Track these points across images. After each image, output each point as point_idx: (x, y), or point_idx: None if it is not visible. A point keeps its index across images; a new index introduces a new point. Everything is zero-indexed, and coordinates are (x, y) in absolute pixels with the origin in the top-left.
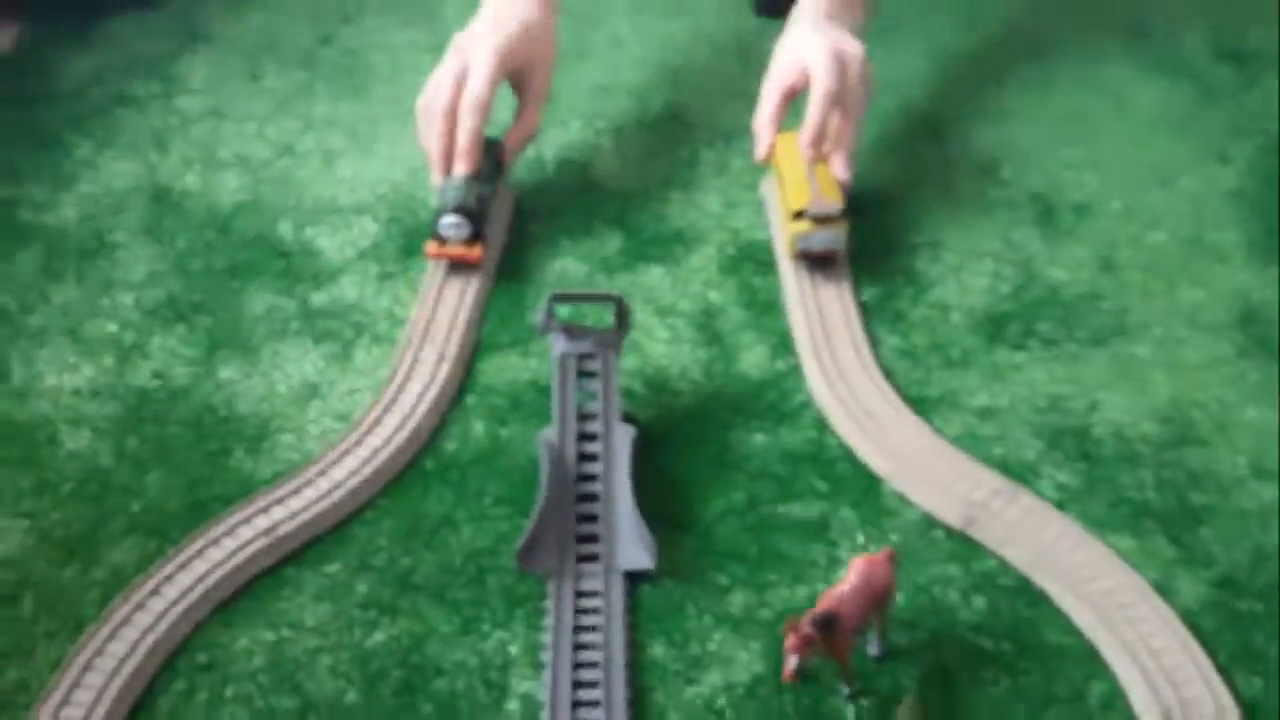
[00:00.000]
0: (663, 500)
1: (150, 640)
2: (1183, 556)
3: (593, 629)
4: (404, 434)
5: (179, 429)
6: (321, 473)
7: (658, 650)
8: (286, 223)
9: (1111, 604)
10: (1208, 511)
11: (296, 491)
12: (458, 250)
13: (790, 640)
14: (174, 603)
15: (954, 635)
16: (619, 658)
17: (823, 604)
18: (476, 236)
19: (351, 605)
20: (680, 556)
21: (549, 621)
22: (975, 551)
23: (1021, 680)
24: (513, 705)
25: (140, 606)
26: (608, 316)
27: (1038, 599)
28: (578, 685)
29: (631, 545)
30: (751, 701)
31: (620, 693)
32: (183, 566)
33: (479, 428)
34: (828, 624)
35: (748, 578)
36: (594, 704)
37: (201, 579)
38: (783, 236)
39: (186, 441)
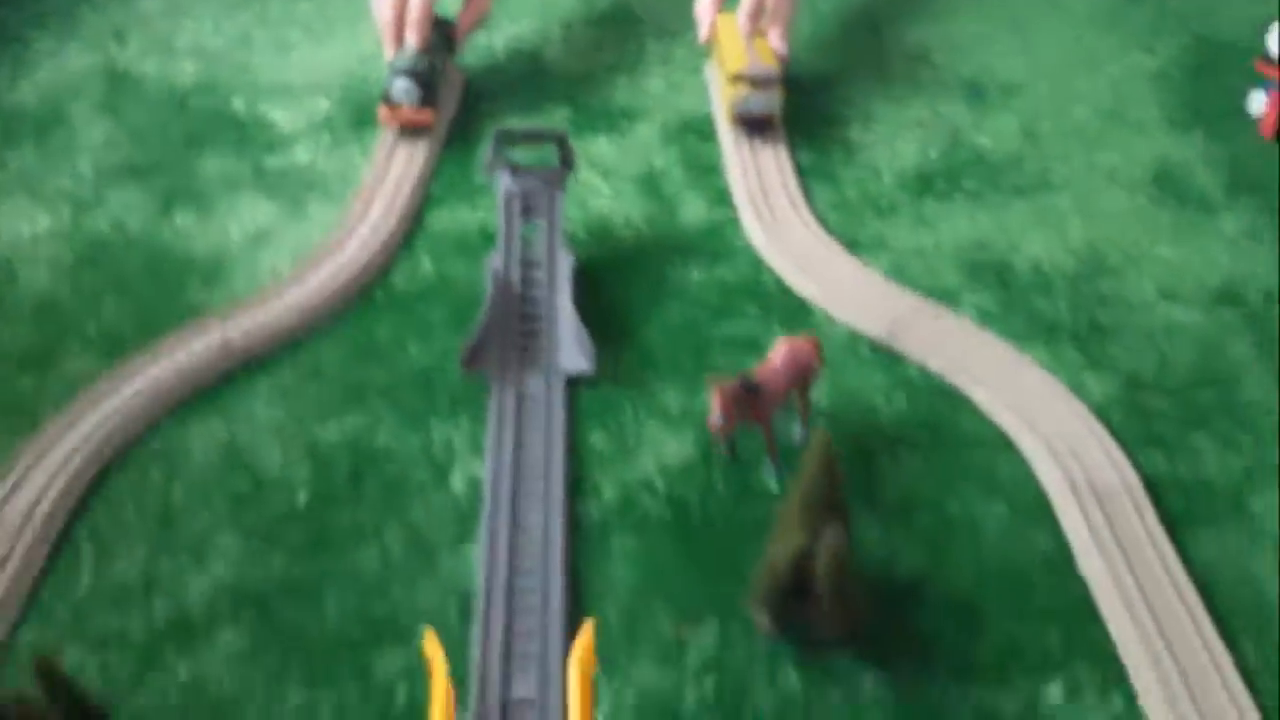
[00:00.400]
0: (604, 322)
1: (102, 433)
2: (1092, 363)
3: (533, 428)
4: (353, 269)
5: (134, 268)
6: (276, 296)
7: (596, 440)
8: (241, 100)
9: (1024, 399)
10: (1117, 327)
11: (249, 313)
12: (408, 114)
13: (716, 398)
14: (127, 400)
15: (875, 427)
16: (559, 444)
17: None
18: (426, 102)
19: (303, 406)
20: (619, 367)
21: (492, 413)
22: (897, 361)
23: (935, 461)
24: (457, 485)
25: (93, 405)
26: (552, 159)
27: (955, 398)
28: (518, 467)
29: (571, 350)
30: (683, 479)
31: (559, 471)
32: (137, 372)
33: (426, 265)
34: (751, 386)
35: (682, 384)
36: (535, 482)
37: (154, 382)
38: (723, 105)
39: (141, 278)
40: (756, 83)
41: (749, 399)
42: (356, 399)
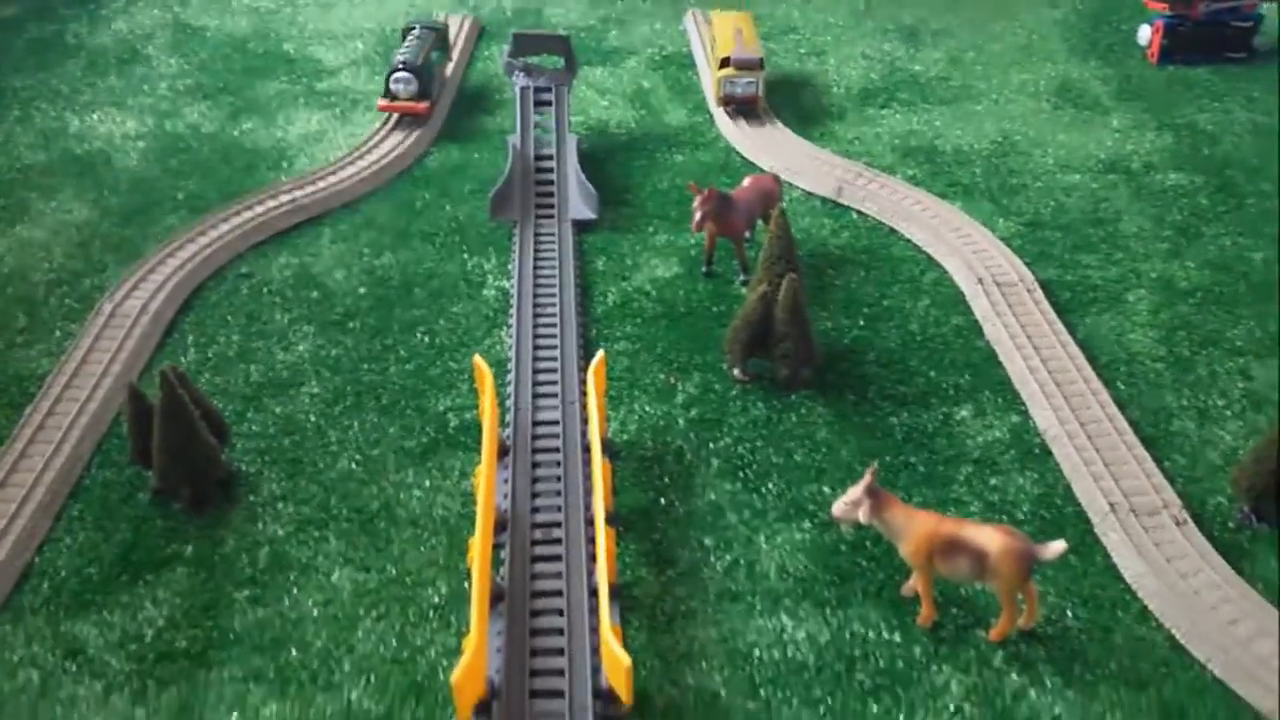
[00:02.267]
0: (604, 189)
1: (198, 259)
2: (1002, 211)
3: (549, 255)
4: (396, 153)
5: (211, 156)
6: (331, 173)
7: (600, 264)
8: (291, 44)
9: (944, 232)
10: (1022, 188)
11: (313, 182)
12: (405, 104)
13: (698, 199)
14: (216, 238)
15: (827, 253)
16: (570, 266)
17: None
18: (423, 96)
19: (360, 244)
20: (618, 218)
21: (515, 248)
22: (844, 210)
23: (874, 273)
24: (489, 293)
25: (190, 240)
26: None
27: (889, 233)
28: (539, 280)
29: (579, 202)
30: (670, 287)
31: (571, 281)
32: (224, 219)
33: (454, 152)
34: (725, 197)
35: (669, 228)
36: (551, 288)
37: (237, 226)
38: (712, 86)
39: (217, 162)
40: (742, 67)
41: (722, 205)
42: (404, 241)
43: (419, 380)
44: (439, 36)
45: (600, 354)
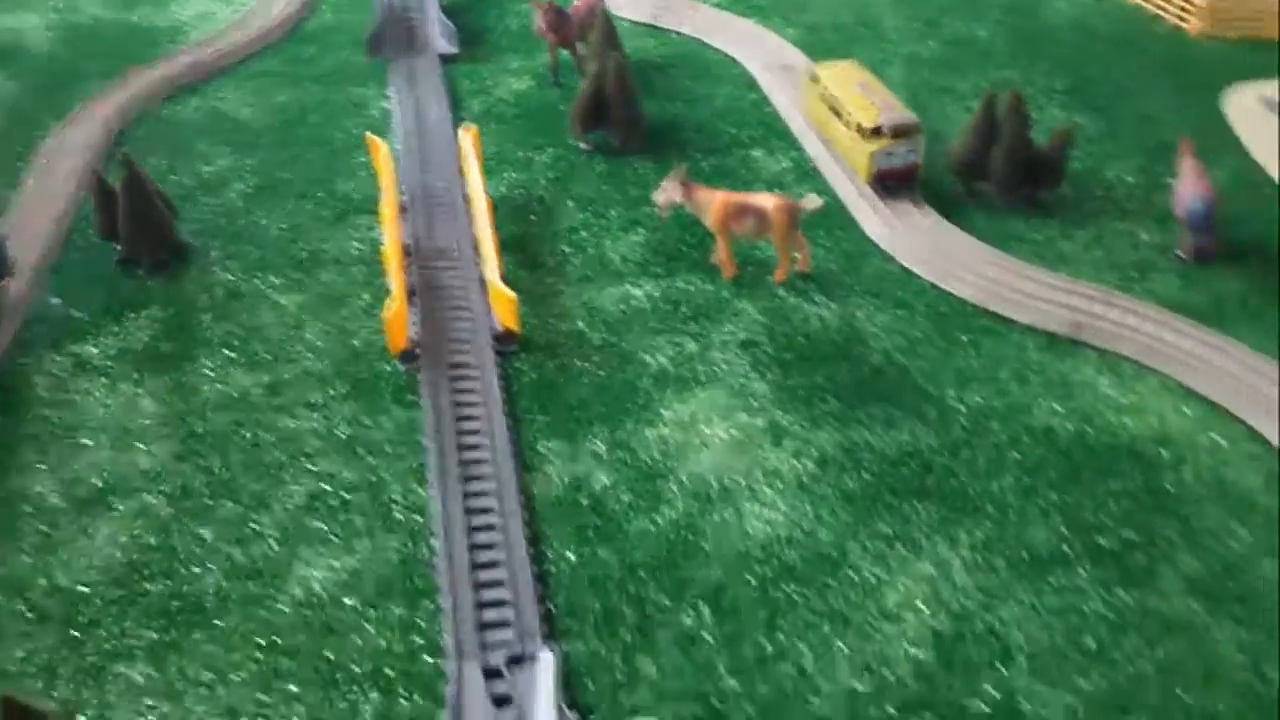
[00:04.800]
0: (465, 31)
1: (122, 108)
2: (791, 23)
3: (421, 80)
4: (279, 18)
5: (113, 37)
6: (226, 37)
7: (466, 84)
8: None
9: (742, 40)
10: (808, 6)
11: (210, 45)
12: None
13: (539, 12)
14: (136, 93)
15: (650, 61)
16: (441, 87)
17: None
18: None
19: (259, 88)
20: (478, 52)
21: (392, 79)
22: (662, 31)
23: (687, 72)
24: (373, 112)
25: (110, 96)
26: None
27: (700, 45)
28: (417, 101)
29: (442, 40)
30: (524, 96)
31: (443, 96)
32: (138, 77)
33: (328, 16)
34: (561, 11)
35: (521, 58)
36: (426, 104)
37: (151, 82)
38: (853, 161)
39: (120, 41)
40: (900, 134)
41: (559, 18)
42: (295, 83)
43: (324, 172)
44: None
45: (474, 127)
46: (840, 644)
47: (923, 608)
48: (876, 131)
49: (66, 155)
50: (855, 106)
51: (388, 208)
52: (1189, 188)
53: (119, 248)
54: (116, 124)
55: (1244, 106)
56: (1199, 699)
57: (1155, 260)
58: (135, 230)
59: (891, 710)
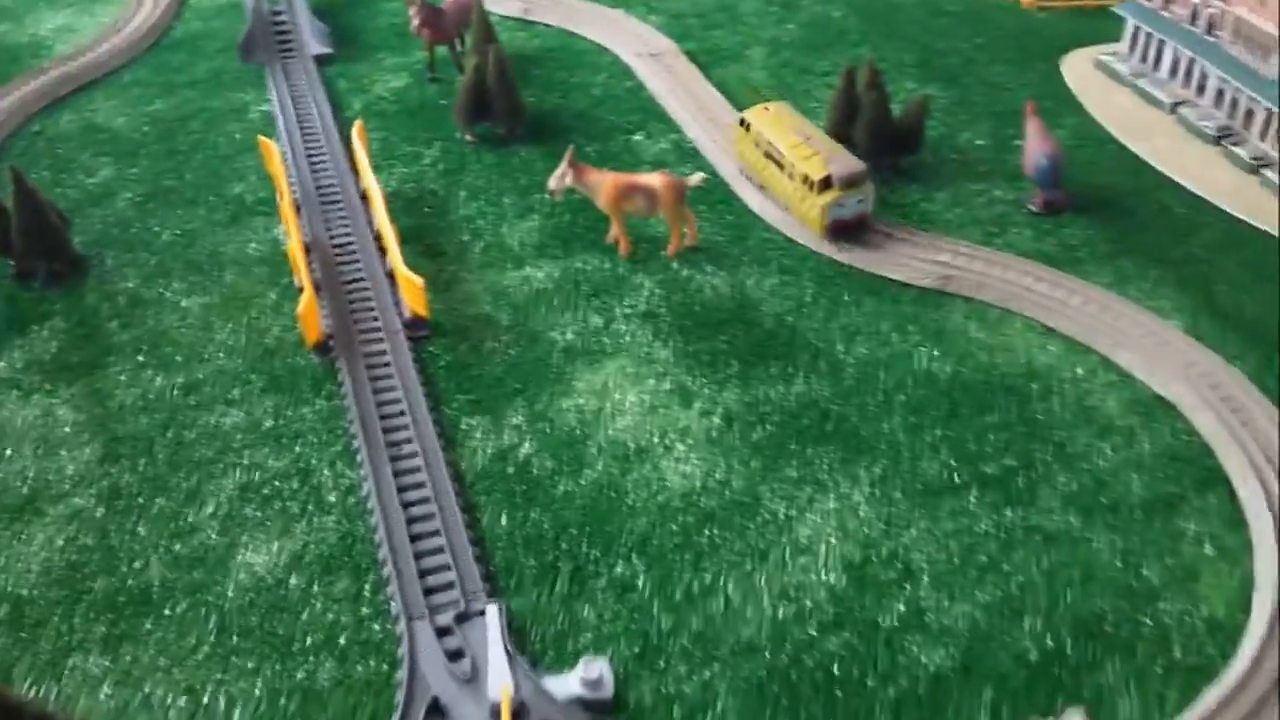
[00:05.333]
0: (335, 29)
1: None
2: (654, 11)
3: (298, 83)
4: (144, 28)
5: None
6: (91, 49)
7: (342, 84)
8: None
9: (610, 29)
10: None
11: (75, 59)
12: None
13: (413, 9)
14: (3, 112)
15: (524, 55)
16: (320, 88)
17: None
18: None
19: (132, 98)
20: (352, 51)
21: (269, 82)
22: (533, 24)
23: (562, 63)
24: (253, 116)
25: None
26: None
27: (571, 36)
28: (296, 101)
29: (315, 39)
30: (403, 92)
31: (323, 96)
32: (4, 95)
33: (197, 24)
34: (435, 9)
35: (396, 55)
36: (306, 104)
37: (20, 99)
38: (798, 213)
39: None
40: (850, 185)
41: (433, 15)
42: (170, 90)
43: (212, 178)
44: None
45: (358, 122)
46: (761, 577)
47: (832, 539)
48: (826, 183)
49: None
50: (799, 158)
51: (287, 207)
52: (1035, 147)
53: (13, 263)
54: None
55: (1079, 70)
56: (1081, 598)
57: (1010, 215)
58: (29, 243)
59: (812, 631)
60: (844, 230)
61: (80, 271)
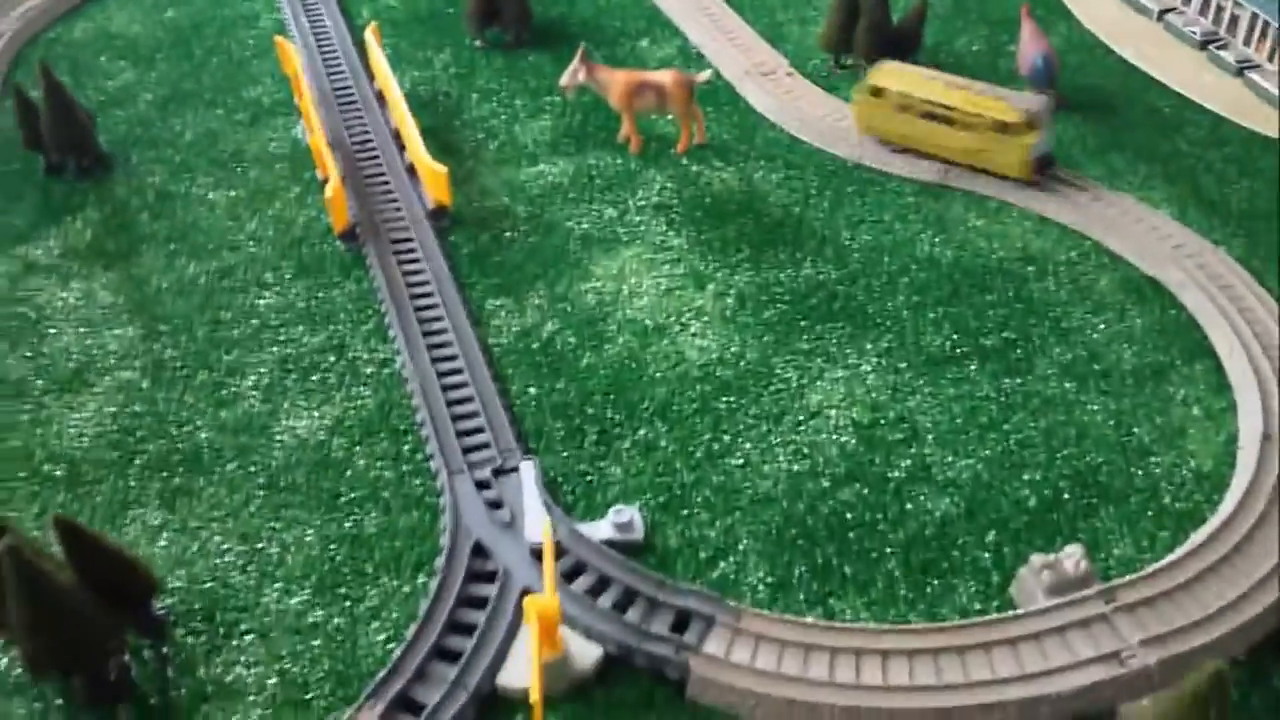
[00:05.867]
0: None
1: (13, 36)
2: None
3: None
4: None
5: None
6: None
7: None
8: None
9: None
10: None
11: None
12: None
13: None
14: (18, 22)
15: None
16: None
17: None
18: None
19: (144, 7)
20: None
21: None
22: None
23: None
24: (265, 23)
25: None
26: None
27: None
28: (306, 9)
29: None
30: (410, 2)
31: (334, 6)
32: (15, 6)
33: None
34: None
35: None
36: (318, 12)
37: (30, 10)
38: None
39: None
40: (1037, 122)
41: None
42: (185, 0)
43: (229, 81)
44: None
45: (373, 24)
46: (776, 438)
47: (842, 405)
48: (1024, 125)
49: None
50: (982, 107)
51: (307, 103)
52: (1031, 47)
53: (42, 158)
54: (8, 51)
55: None
56: (1077, 454)
57: None
58: (60, 136)
59: (825, 484)
60: (1044, 167)
61: (107, 167)
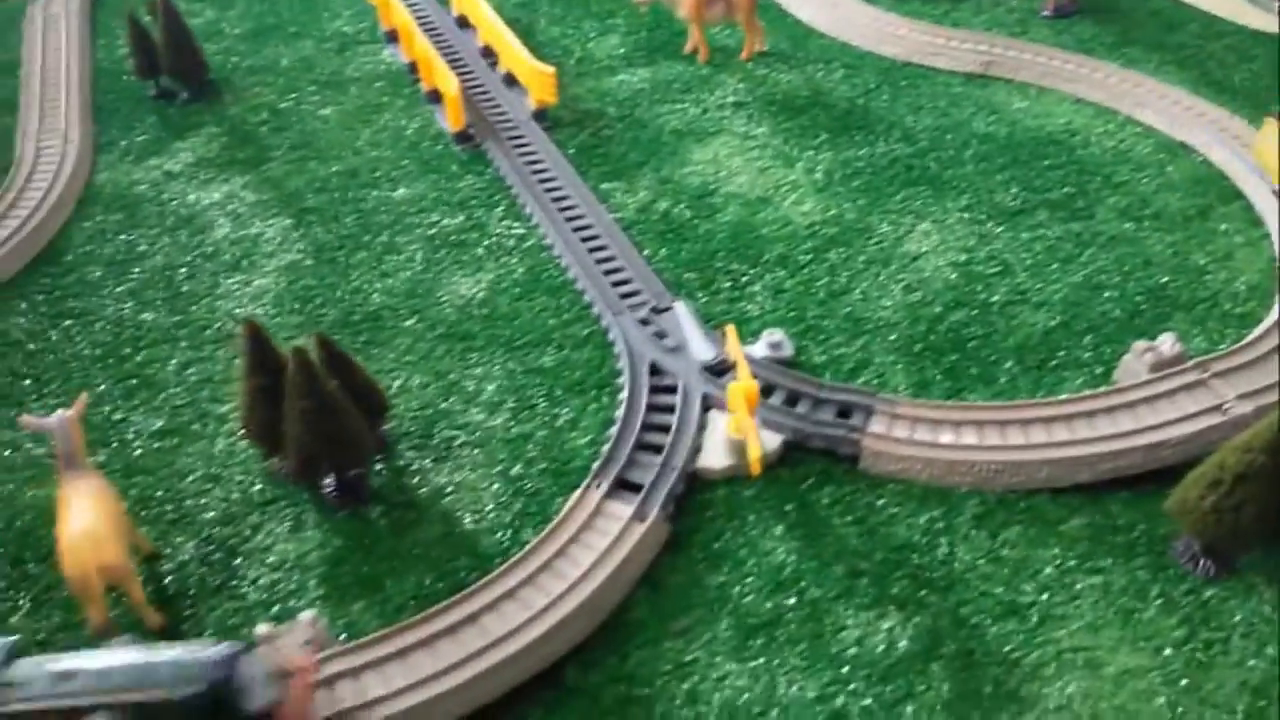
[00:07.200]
0: None
1: None
2: None
3: None
4: None
5: None
6: None
7: None
8: None
9: None
10: None
11: None
12: None
13: None
14: None
15: None
16: None
17: None
18: None
19: None
20: None
21: None
22: None
23: None
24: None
25: None
26: None
27: None
28: None
29: None
30: None
31: None
32: None
33: None
34: None
35: None
36: None
37: None
38: None
39: None
40: None
41: None
42: None
43: (309, 15)
44: None
45: None
46: (886, 278)
47: (938, 250)
48: None
49: (52, 23)
50: None
51: (404, 22)
52: None
53: (154, 84)
54: None
55: None
56: (1145, 276)
57: (1028, 20)
58: (178, 60)
59: (938, 309)
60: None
61: (216, 92)
